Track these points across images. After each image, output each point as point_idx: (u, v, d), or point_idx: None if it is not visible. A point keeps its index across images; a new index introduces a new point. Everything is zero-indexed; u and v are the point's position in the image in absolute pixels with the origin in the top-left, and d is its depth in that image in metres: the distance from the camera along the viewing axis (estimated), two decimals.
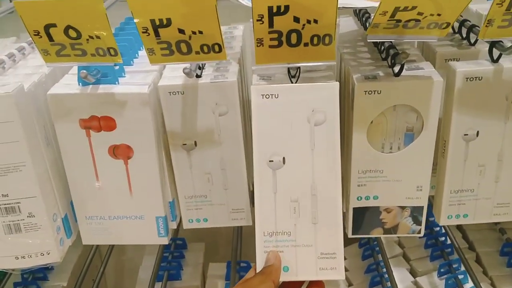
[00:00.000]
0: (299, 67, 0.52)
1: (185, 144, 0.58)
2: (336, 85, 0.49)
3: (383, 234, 0.61)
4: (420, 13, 0.44)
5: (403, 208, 0.59)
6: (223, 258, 0.90)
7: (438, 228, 0.92)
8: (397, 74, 0.53)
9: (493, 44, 0.53)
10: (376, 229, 0.61)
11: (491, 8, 0.45)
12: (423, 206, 0.59)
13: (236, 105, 0.56)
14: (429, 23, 0.46)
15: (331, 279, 0.51)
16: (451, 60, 0.59)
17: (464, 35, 0.61)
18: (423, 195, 0.58)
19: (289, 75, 0.52)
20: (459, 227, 0.96)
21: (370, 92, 0.53)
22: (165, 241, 0.62)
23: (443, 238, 0.90)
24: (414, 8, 0.43)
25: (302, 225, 0.50)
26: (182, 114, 0.56)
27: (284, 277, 0.50)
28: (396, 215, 0.60)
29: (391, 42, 0.55)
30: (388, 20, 0.46)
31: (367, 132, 0.55)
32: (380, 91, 0.53)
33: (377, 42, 0.60)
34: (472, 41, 0.61)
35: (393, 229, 0.61)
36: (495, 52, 0.53)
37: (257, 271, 0.49)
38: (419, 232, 0.61)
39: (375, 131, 0.55)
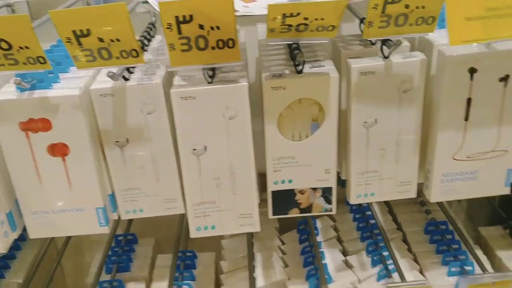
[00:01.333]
0: (214, 68, 0.59)
1: (118, 142, 0.65)
2: (244, 86, 0.57)
3: (300, 213, 0.68)
4: (305, 18, 0.52)
5: (314, 189, 0.67)
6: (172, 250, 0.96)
7: (369, 212, 1.00)
8: (300, 72, 0.60)
9: (383, 42, 0.61)
10: (293, 209, 0.68)
11: (369, 11, 0.52)
12: (332, 187, 0.67)
13: (162, 105, 0.62)
14: (317, 26, 0.54)
15: (249, 231, 0.66)
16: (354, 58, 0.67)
17: None
18: (331, 177, 0.66)
19: (205, 76, 0.59)
20: (390, 211, 1.05)
21: (276, 88, 0.60)
22: (106, 230, 0.68)
23: (373, 221, 0.98)
24: (298, 14, 0.51)
25: (224, 196, 0.64)
26: (113, 114, 0.63)
27: (212, 233, 0.64)
28: (309, 196, 0.67)
29: (297, 44, 0.62)
30: (281, 25, 0.53)
31: (278, 123, 0.62)
32: (285, 87, 0.60)
33: (291, 44, 0.67)
34: (373, 40, 0.69)
35: (308, 209, 0.68)
36: (385, 49, 0.61)
37: None
38: (330, 210, 0.68)
39: (285, 122, 0.63)
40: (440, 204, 0.95)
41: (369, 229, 0.96)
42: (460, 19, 0.52)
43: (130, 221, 0.97)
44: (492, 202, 1.00)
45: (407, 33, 0.55)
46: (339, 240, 0.98)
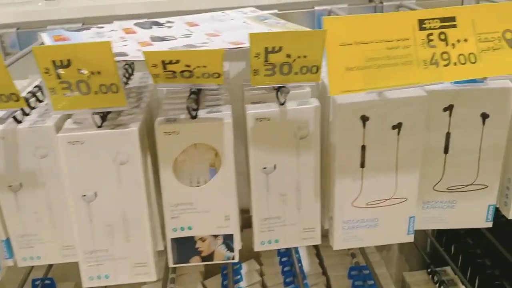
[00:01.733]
0: (103, 112, 0.58)
1: (11, 186, 0.63)
2: (134, 131, 0.56)
3: (201, 262, 0.67)
4: (187, 65, 0.51)
5: (215, 236, 0.65)
6: None
7: (297, 255, 0.99)
8: (194, 117, 0.60)
9: (278, 90, 0.61)
10: (194, 257, 0.67)
11: (251, 60, 0.52)
12: (233, 234, 0.65)
13: (56, 148, 0.61)
14: (202, 73, 0.53)
15: (144, 281, 0.64)
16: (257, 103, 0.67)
17: None
18: (231, 223, 0.65)
19: (93, 120, 0.58)
20: (317, 254, 1.04)
21: (169, 133, 0.59)
22: None
23: (299, 264, 0.97)
24: (178, 61, 0.51)
25: (117, 244, 0.62)
26: (5, 157, 0.61)
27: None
28: (210, 243, 0.66)
29: (196, 89, 0.62)
30: (164, 71, 0.52)
31: (174, 168, 0.61)
32: (179, 132, 0.59)
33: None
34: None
35: (210, 257, 0.67)
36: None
37: None
38: (233, 258, 0.67)
39: (182, 167, 0.62)
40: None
41: (293, 274, 0.94)
42: (341, 69, 0.52)
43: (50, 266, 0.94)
44: (418, 247, 1.00)
45: (294, 82, 0.55)
46: (264, 285, 0.97)
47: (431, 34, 0.53)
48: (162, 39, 0.63)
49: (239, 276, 0.94)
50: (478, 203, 0.69)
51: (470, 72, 0.53)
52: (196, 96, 0.60)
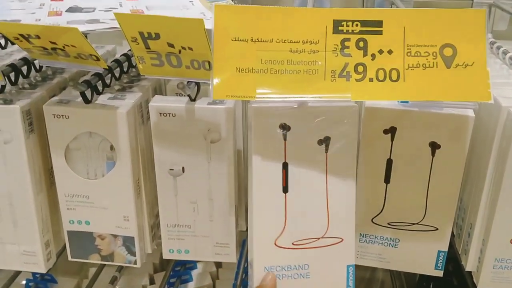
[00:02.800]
0: (198, 83, 0.52)
1: None
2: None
3: (101, 260, 0.61)
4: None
5: (115, 236, 0.59)
6: None
7: None
8: (87, 101, 0.53)
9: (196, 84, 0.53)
10: (93, 255, 0.61)
11: (130, 45, 0.45)
12: (133, 237, 0.59)
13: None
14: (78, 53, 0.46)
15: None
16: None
17: None
18: (131, 225, 0.58)
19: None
20: None
21: (58, 116, 0.53)
22: None
23: None
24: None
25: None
26: None
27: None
28: (110, 242, 0.59)
29: (100, 72, 0.55)
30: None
31: (68, 156, 0.55)
32: (68, 116, 0.53)
33: None
34: None
35: (110, 257, 0.60)
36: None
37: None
38: (135, 263, 0.60)
39: (76, 156, 0.55)
40: None
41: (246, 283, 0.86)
42: (230, 69, 0.43)
43: None
44: None
45: (188, 77, 0.47)
46: None
47: (347, 39, 0.43)
48: (78, 10, 0.56)
49: (188, 276, 0.87)
50: (426, 247, 0.58)
51: (387, 92, 0.43)
52: (98, 78, 0.53)
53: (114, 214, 0.58)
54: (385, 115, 0.52)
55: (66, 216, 0.59)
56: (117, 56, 0.61)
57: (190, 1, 0.62)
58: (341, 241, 0.52)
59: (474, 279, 0.58)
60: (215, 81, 0.43)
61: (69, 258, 0.62)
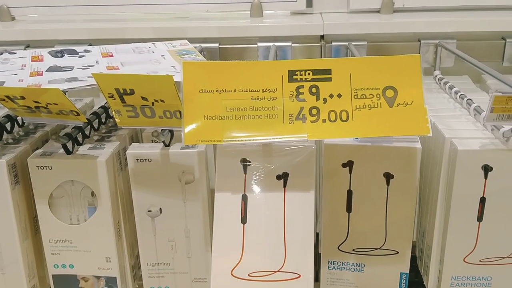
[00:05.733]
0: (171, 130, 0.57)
1: None
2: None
3: None
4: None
5: (98, 277, 0.62)
6: None
7: None
8: (69, 153, 0.57)
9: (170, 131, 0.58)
10: None
11: (108, 100, 0.50)
12: (116, 277, 0.62)
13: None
14: (59, 110, 0.51)
15: None
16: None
17: None
18: (113, 266, 0.62)
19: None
20: None
21: (42, 167, 0.57)
22: None
23: None
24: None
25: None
26: None
27: None
28: (93, 284, 0.63)
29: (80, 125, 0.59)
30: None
31: (51, 204, 0.59)
32: (51, 167, 0.57)
33: None
34: None
35: None
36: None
37: None
38: None
39: (60, 203, 0.59)
40: None
41: None
42: (198, 117, 0.48)
43: None
44: None
45: (161, 125, 0.52)
46: None
47: (301, 86, 0.49)
48: (58, 69, 0.61)
49: None
50: (389, 269, 0.62)
51: (338, 131, 0.48)
52: (78, 131, 0.58)
53: (97, 257, 0.61)
54: (342, 150, 0.57)
55: (50, 261, 0.62)
56: (95, 108, 0.66)
57: (162, 55, 0.68)
58: (298, 277, 0.54)
59: None
60: (186, 129, 0.48)
61: None
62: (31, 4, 0.87)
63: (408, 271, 0.63)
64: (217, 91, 0.49)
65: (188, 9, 0.86)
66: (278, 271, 0.55)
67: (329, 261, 0.63)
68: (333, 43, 0.79)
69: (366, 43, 0.79)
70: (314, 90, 0.49)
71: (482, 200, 0.56)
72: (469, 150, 0.54)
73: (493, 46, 0.79)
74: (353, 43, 0.78)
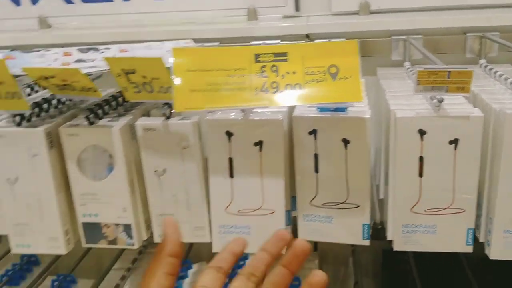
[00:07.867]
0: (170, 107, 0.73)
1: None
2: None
3: (108, 245, 0.80)
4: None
5: (117, 225, 0.78)
6: None
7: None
8: (91, 123, 0.73)
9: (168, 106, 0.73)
10: (102, 241, 0.80)
11: (116, 79, 0.65)
12: (130, 224, 0.78)
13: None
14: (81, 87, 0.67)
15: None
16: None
17: None
18: (128, 215, 0.77)
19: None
20: None
21: (71, 135, 0.73)
22: None
23: None
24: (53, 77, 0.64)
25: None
26: None
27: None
28: (114, 230, 0.79)
29: (100, 103, 0.76)
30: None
31: (79, 164, 0.75)
32: (78, 134, 0.73)
33: None
34: None
35: (114, 241, 0.79)
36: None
37: None
38: (133, 245, 0.79)
39: (85, 163, 0.75)
40: None
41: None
42: (186, 90, 0.63)
43: None
44: None
45: (161, 99, 0.67)
46: None
47: (264, 66, 0.63)
48: (83, 61, 0.78)
49: (183, 273, 1.05)
50: (353, 221, 0.75)
51: (293, 99, 0.62)
52: (99, 107, 0.74)
53: (115, 207, 0.77)
54: (308, 120, 0.71)
55: (80, 211, 0.78)
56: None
57: (168, 51, 0.83)
58: (273, 212, 0.72)
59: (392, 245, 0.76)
60: (176, 99, 0.63)
61: (83, 245, 0.81)
62: (66, 14, 1.06)
63: (369, 222, 0.76)
64: (199, 70, 0.63)
65: (195, 16, 1.03)
66: (259, 209, 0.73)
67: (303, 215, 0.77)
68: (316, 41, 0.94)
69: (344, 40, 0.92)
70: (274, 68, 0.63)
71: (421, 159, 0.69)
72: (405, 117, 0.67)
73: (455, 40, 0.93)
74: (332, 40, 0.92)
